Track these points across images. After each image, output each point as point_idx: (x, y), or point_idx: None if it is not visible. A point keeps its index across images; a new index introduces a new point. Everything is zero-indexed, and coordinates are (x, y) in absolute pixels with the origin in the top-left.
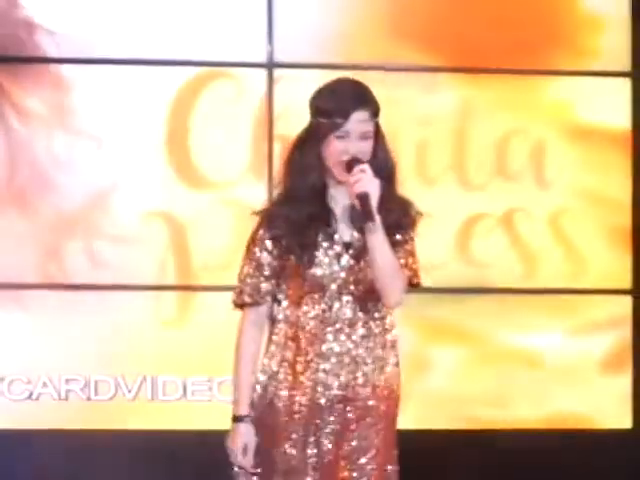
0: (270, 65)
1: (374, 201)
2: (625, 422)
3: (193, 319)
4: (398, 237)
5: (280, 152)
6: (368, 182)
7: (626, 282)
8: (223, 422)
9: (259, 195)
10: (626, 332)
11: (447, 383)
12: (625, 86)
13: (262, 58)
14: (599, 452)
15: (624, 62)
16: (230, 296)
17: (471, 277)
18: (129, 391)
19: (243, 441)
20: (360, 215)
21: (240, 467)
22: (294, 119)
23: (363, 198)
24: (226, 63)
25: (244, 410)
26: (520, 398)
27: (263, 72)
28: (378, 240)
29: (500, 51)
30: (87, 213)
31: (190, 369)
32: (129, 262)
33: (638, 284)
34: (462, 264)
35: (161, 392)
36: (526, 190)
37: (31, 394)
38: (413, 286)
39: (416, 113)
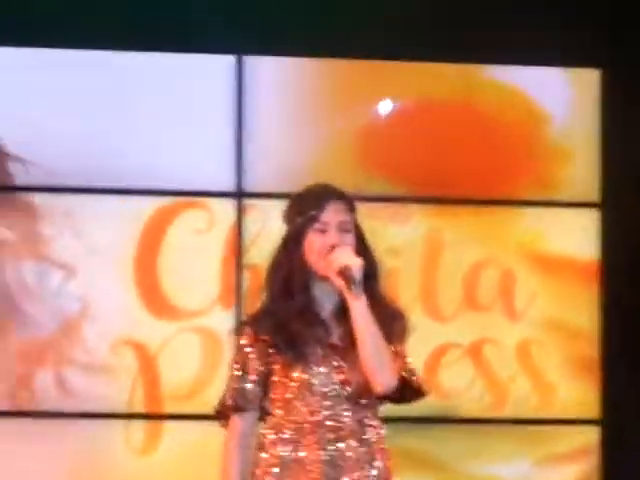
0: (239, 194)
1: (357, 273)
2: None
3: (162, 447)
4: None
5: (250, 281)
6: (348, 256)
7: (594, 412)
8: None
9: (227, 323)
10: (594, 462)
11: None
12: (593, 217)
13: (232, 188)
14: None
15: (593, 193)
16: (200, 425)
17: (438, 407)
18: None
19: None
20: (343, 289)
21: None
22: (264, 248)
23: (344, 271)
24: (195, 192)
25: None
26: None
27: (233, 202)
28: (363, 311)
29: (469, 181)
30: (57, 341)
31: None
32: (99, 390)
33: (606, 414)
34: (428, 392)
35: None
36: (495, 321)
37: None
38: (410, 389)
39: (385, 243)
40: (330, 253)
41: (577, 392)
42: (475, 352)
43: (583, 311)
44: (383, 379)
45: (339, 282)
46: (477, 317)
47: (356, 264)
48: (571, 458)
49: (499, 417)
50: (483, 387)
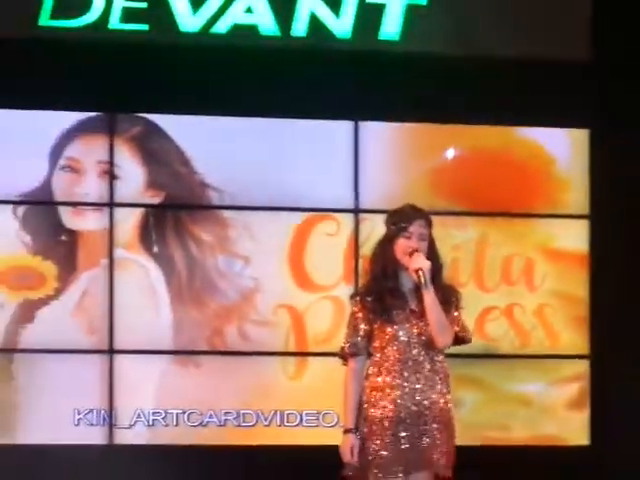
0: (356, 211)
1: (427, 274)
2: (584, 441)
3: (306, 374)
4: (446, 309)
5: (363, 266)
6: (422, 261)
7: (585, 350)
8: (329, 439)
9: (349, 294)
10: (586, 384)
11: (468, 413)
12: (584, 224)
13: (351, 206)
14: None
15: (584, 209)
16: (331, 359)
17: (485, 347)
18: (265, 419)
19: (349, 445)
20: (418, 283)
21: (348, 463)
22: (372, 245)
23: (419, 271)
24: (328, 209)
25: (350, 425)
26: (518, 424)
27: (352, 215)
28: (431, 299)
29: (504, 202)
30: (239, 306)
31: (304, 405)
32: (265, 337)
33: (592, 352)
34: (478, 338)
35: (285, 420)
36: (521, 292)
37: (202, 422)
38: (460, 340)
39: (451, 242)
40: (412, 254)
41: (574, 338)
42: (508, 312)
43: (578, 285)
44: (443, 340)
45: (415, 277)
46: (509, 289)
47: (426, 266)
48: (571, 381)
49: (524, 353)
50: (513, 335)
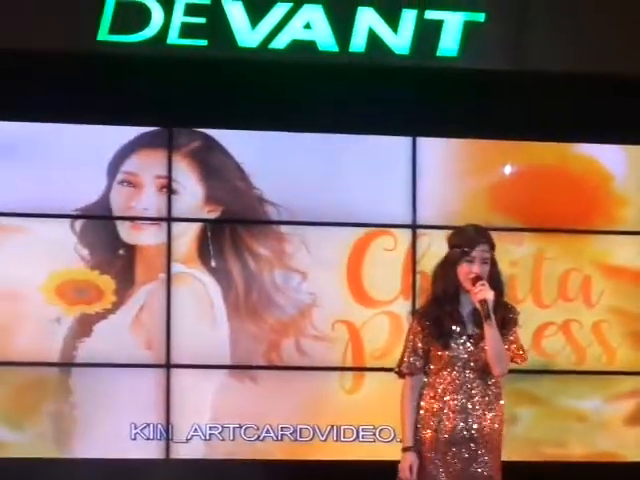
0: (414, 226)
1: (490, 305)
2: None
3: (363, 388)
4: (504, 331)
5: (420, 282)
6: (487, 292)
7: None
8: (385, 455)
9: (406, 309)
10: None
11: (525, 429)
12: None
13: (409, 222)
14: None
15: None
16: (387, 374)
17: (542, 363)
18: (322, 434)
19: (409, 463)
20: (481, 315)
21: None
22: (429, 261)
23: (483, 303)
24: (386, 225)
25: (409, 443)
26: (574, 440)
27: (409, 231)
28: (493, 331)
29: (562, 217)
30: (296, 321)
31: (361, 420)
32: (322, 352)
33: None
34: (535, 354)
35: (342, 435)
36: (578, 308)
37: (259, 437)
38: (516, 363)
39: (508, 258)
40: (475, 280)
41: (631, 354)
42: (565, 328)
43: (635, 301)
44: (500, 369)
45: (479, 307)
46: (566, 305)
47: (490, 297)
48: (628, 397)
49: (581, 369)
50: (570, 350)
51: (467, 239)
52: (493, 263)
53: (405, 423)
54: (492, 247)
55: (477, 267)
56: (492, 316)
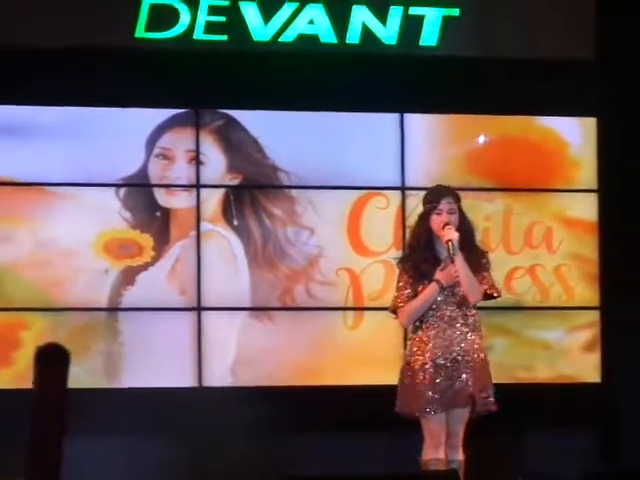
0: (403, 188)
1: (456, 243)
2: (596, 379)
3: (362, 325)
4: (482, 272)
5: (409, 233)
6: (452, 233)
7: (596, 302)
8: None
9: (397, 258)
10: (596, 330)
11: (498, 356)
12: (594, 198)
13: (399, 184)
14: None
15: (593, 184)
16: (382, 313)
17: (511, 300)
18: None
19: (447, 271)
20: (449, 251)
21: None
22: (415, 217)
23: (449, 242)
24: (379, 187)
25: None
26: (540, 365)
27: (399, 192)
28: (461, 264)
29: (527, 179)
30: (305, 269)
31: (361, 351)
32: (328, 295)
33: (602, 304)
34: (506, 293)
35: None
36: (542, 254)
37: (276, 366)
38: (490, 296)
39: (482, 213)
40: (444, 227)
41: (587, 292)
42: (531, 271)
43: (589, 248)
44: (473, 297)
45: (446, 247)
46: (532, 252)
47: (455, 237)
48: (584, 328)
49: (545, 305)
50: (536, 290)
51: (434, 194)
52: (461, 213)
53: (418, 298)
54: (457, 199)
55: (445, 216)
56: (458, 252)
